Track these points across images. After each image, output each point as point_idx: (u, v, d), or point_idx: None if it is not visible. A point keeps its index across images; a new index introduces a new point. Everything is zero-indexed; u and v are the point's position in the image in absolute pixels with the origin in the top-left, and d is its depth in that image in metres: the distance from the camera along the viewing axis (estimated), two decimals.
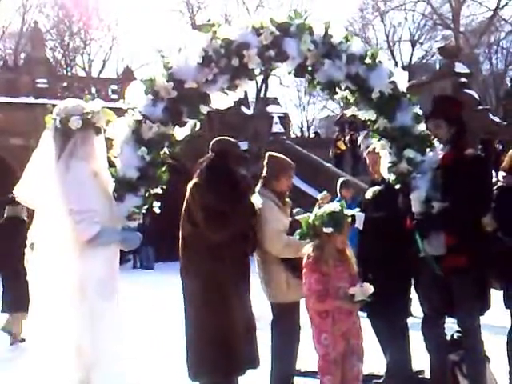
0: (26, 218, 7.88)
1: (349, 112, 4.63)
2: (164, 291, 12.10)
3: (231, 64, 4.11)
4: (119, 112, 4.10)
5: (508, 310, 4.56)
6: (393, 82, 4.29)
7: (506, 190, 4.54)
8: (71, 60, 40.37)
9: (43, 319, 3.61)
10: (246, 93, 23.04)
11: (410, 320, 5.09)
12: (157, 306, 10.84)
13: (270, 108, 27.98)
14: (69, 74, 35.98)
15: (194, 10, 38.77)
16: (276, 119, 25.72)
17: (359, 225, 4.93)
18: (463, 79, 21.47)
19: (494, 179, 4.74)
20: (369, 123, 4.49)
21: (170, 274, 10.49)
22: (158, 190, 4.14)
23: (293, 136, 33.24)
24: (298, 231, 4.31)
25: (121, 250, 3.92)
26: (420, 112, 4.40)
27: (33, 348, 3.68)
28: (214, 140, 4.69)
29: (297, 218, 4.60)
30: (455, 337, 4.60)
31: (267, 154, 5.00)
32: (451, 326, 4.61)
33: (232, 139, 4.78)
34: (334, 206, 4.22)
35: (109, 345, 3.63)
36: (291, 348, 4.70)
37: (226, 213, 4.27)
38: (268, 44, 4.12)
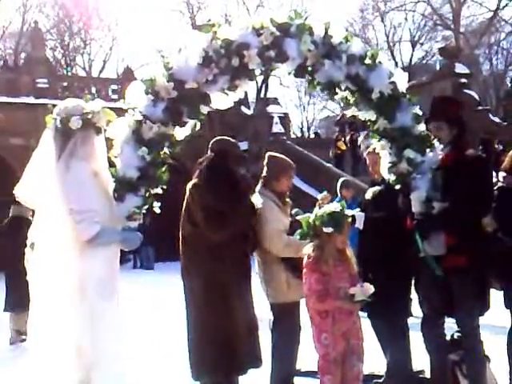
0: (31, 218, 7.90)
1: (349, 112, 4.63)
2: (164, 291, 12.11)
3: (231, 64, 4.11)
4: (119, 112, 4.11)
5: (508, 310, 4.57)
6: (393, 83, 4.29)
7: (506, 190, 4.54)
8: (71, 60, 40.36)
9: (43, 319, 3.61)
10: (246, 93, 23.03)
11: (410, 320, 5.09)
12: (157, 306, 10.84)
13: (270, 108, 27.97)
14: (69, 73, 35.96)
15: (194, 10, 38.81)
16: (276, 119, 25.70)
17: (359, 225, 4.94)
18: (463, 80, 21.47)
19: (494, 179, 4.75)
20: (369, 123, 4.49)
21: (170, 273, 10.49)
22: (159, 190, 4.14)
23: (293, 136, 33.23)
24: (299, 231, 4.31)
25: (121, 250, 3.92)
26: (420, 112, 4.40)
27: (33, 348, 3.68)
28: (213, 140, 4.69)
29: (297, 218, 4.60)
30: (455, 337, 4.60)
31: (267, 154, 5.00)
32: (451, 326, 4.61)
33: (231, 139, 4.78)
34: (335, 206, 4.22)
35: (109, 345, 3.64)
36: (291, 348, 4.70)
37: (226, 213, 4.27)
38: (268, 44, 4.13)
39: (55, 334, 3.58)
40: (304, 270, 4.18)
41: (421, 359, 4.90)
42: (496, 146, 19.76)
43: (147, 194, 4.06)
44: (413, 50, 39.58)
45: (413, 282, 4.84)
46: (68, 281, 3.58)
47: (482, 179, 4.38)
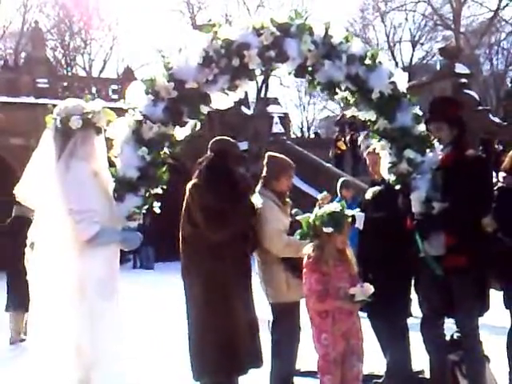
0: (32, 218, 7.90)
1: (349, 113, 4.63)
2: (164, 291, 12.11)
3: (232, 64, 4.11)
4: (120, 112, 4.11)
5: (508, 311, 4.57)
6: (393, 83, 4.29)
7: (506, 190, 4.54)
8: (72, 60, 40.36)
9: (43, 319, 3.61)
10: (246, 93, 23.04)
11: (409, 320, 5.09)
12: (157, 305, 10.85)
13: (271, 108, 27.98)
14: (69, 73, 35.98)
15: (194, 10, 38.83)
16: (276, 119, 25.71)
17: (359, 225, 4.94)
18: (463, 80, 21.47)
19: (494, 180, 4.75)
20: (369, 124, 4.49)
21: (169, 273, 10.49)
22: (158, 190, 4.14)
23: (293, 136, 33.23)
24: (299, 231, 4.31)
25: (121, 250, 3.92)
26: (420, 112, 4.41)
27: (33, 347, 3.68)
28: (212, 140, 4.69)
29: (297, 218, 4.60)
30: (455, 337, 4.60)
31: (267, 154, 5.00)
32: (451, 327, 4.62)
33: (231, 139, 4.78)
34: (335, 206, 4.22)
35: (109, 345, 3.64)
36: (291, 348, 4.70)
37: (226, 212, 4.27)
38: (268, 44, 4.13)
39: (55, 333, 3.58)
40: (304, 270, 4.18)
41: (420, 359, 4.90)
42: (496, 146, 19.76)
43: (147, 194, 4.06)
44: (413, 50, 39.62)
45: (413, 282, 4.84)
46: (68, 281, 3.58)
47: (482, 179, 4.38)
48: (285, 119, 27.90)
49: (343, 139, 24.33)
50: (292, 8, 25.52)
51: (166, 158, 4.19)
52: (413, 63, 38.94)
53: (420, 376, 5.12)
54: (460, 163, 4.33)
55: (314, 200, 5.22)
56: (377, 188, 5.12)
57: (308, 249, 4.20)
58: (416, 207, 4.34)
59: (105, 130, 3.91)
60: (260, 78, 28.07)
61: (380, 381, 5.08)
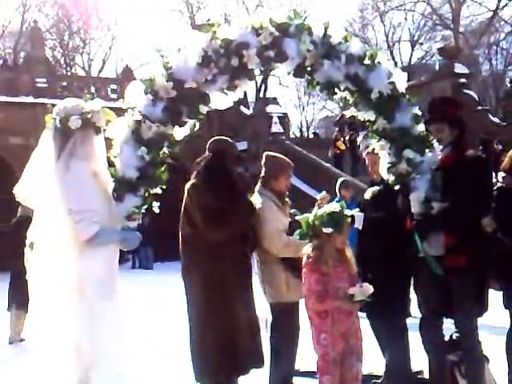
0: None
1: (348, 113, 4.63)
2: (163, 291, 12.11)
3: (231, 64, 4.11)
4: (119, 112, 4.10)
5: (507, 311, 4.56)
6: (392, 83, 4.29)
7: (505, 190, 4.54)
8: (71, 59, 40.34)
9: (43, 319, 3.61)
10: (245, 93, 23.04)
11: (409, 320, 5.09)
12: (156, 305, 10.84)
13: (270, 108, 27.98)
14: (68, 73, 35.95)
15: (193, 9, 38.82)
16: (275, 119, 25.69)
17: (358, 225, 4.93)
18: (463, 80, 21.46)
19: (493, 180, 4.75)
20: (368, 124, 4.49)
21: (169, 273, 10.49)
22: (158, 190, 4.14)
23: (292, 136, 33.22)
24: (298, 231, 4.31)
25: (120, 250, 3.92)
26: (419, 112, 4.40)
27: (32, 347, 3.68)
28: (211, 140, 4.69)
29: (296, 218, 4.60)
30: (454, 337, 4.60)
31: (265, 153, 5.00)
32: (450, 327, 4.62)
33: (229, 139, 4.78)
34: (334, 207, 4.22)
35: (108, 344, 3.63)
36: (290, 348, 4.70)
37: (225, 212, 4.27)
38: (267, 44, 4.13)
39: (54, 333, 3.58)
40: (303, 270, 4.18)
41: (419, 360, 4.90)
42: (495, 146, 19.75)
43: (146, 194, 4.06)
44: (412, 50, 39.64)
45: (412, 282, 4.84)
46: (67, 281, 3.58)
47: (482, 179, 4.38)
48: (284, 119, 27.90)
49: (342, 139, 24.33)
50: (291, 8, 25.54)
51: (166, 158, 4.19)
52: (412, 63, 38.94)
53: (419, 376, 5.12)
54: (460, 163, 4.33)
55: (313, 200, 5.21)
56: (376, 188, 5.12)
57: (307, 249, 4.20)
58: (415, 207, 4.34)
59: (104, 130, 3.90)
60: (259, 78, 28.05)
61: (379, 381, 5.09)
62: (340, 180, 9.74)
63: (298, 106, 45.95)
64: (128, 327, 4.37)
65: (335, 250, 4.16)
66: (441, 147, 4.51)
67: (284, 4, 34.93)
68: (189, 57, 4.13)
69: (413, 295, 4.88)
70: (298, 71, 4.31)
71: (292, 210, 4.89)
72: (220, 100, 4.31)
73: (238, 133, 21.92)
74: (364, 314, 4.79)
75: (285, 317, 4.67)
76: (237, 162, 4.67)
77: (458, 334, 4.54)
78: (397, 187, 4.45)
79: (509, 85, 34.25)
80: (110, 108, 3.96)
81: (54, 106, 3.85)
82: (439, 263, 4.31)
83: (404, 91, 4.37)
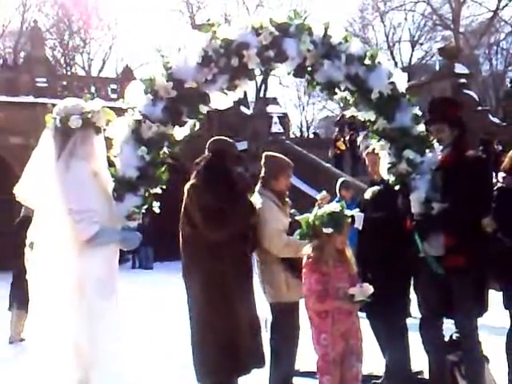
0: None
1: (348, 113, 4.62)
2: (163, 291, 12.12)
3: (231, 64, 4.11)
4: (119, 111, 4.10)
5: (507, 311, 4.56)
6: (392, 83, 4.29)
7: (505, 190, 4.54)
8: (71, 59, 40.35)
9: (42, 318, 3.61)
10: (245, 93, 23.03)
11: (409, 320, 5.09)
12: (156, 305, 10.84)
13: (270, 108, 28.02)
14: (68, 73, 35.96)
15: (193, 9, 38.85)
16: (275, 119, 25.71)
17: (358, 225, 4.93)
18: (463, 80, 21.45)
19: (493, 180, 4.75)
20: (368, 124, 4.49)
21: (169, 273, 10.50)
22: (158, 190, 4.14)
23: (292, 136, 33.22)
24: (298, 231, 4.31)
25: (120, 250, 3.92)
26: (419, 113, 4.40)
27: (32, 347, 3.68)
28: (210, 140, 4.69)
29: (297, 218, 4.60)
30: (454, 337, 4.60)
31: (264, 153, 5.00)
32: (450, 327, 4.62)
33: (229, 139, 4.78)
34: (334, 207, 4.22)
35: (108, 344, 3.63)
36: (290, 348, 4.70)
37: (225, 212, 4.27)
38: (267, 44, 4.13)
39: (54, 333, 3.58)
40: (304, 271, 4.18)
41: (419, 360, 4.90)
42: (495, 146, 19.75)
43: (147, 194, 4.06)
44: (412, 50, 39.62)
45: (412, 282, 4.84)
46: (67, 280, 3.58)
47: (482, 180, 4.38)
48: (284, 119, 27.91)
49: (342, 139, 24.32)
50: (291, 8, 25.54)
51: (166, 158, 4.19)
52: (412, 63, 38.94)
53: (419, 376, 5.12)
54: (460, 164, 4.33)
55: (313, 200, 5.20)
56: (376, 188, 5.12)
57: (307, 249, 4.20)
58: (415, 207, 4.34)
59: (104, 130, 3.90)
60: (259, 78, 28.05)
61: (379, 381, 5.09)
62: (340, 180, 9.74)
63: (298, 105, 46.00)
64: (128, 327, 4.36)
65: (335, 250, 4.16)
66: (441, 147, 4.51)
67: (284, 4, 34.96)
68: (189, 57, 4.13)
69: (413, 295, 4.88)
70: (298, 71, 4.31)
71: (291, 211, 4.89)
72: (220, 100, 4.31)
73: (238, 133, 21.92)
74: (364, 314, 4.79)
75: (285, 317, 4.67)
76: (236, 161, 4.67)
77: (457, 334, 4.54)
78: (397, 187, 4.45)
79: (509, 85, 34.28)
80: (110, 108, 3.96)
81: (54, 105, 3.85)
82: (439, 263, 4.31)
83: (404, 91, 4.37)
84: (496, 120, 22.20)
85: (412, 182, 4.33)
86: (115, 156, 4.05)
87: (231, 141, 4.78)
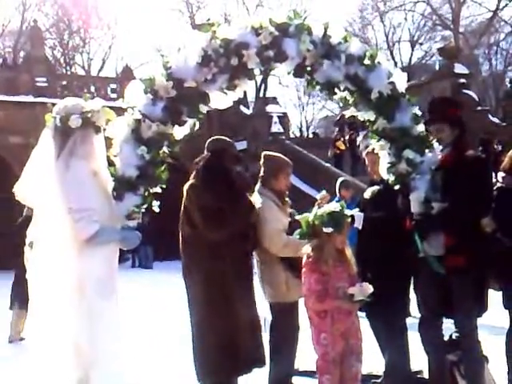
0: None
1: (348, 113, 4.63)
2: (163, 290, 12.12)
3: (230, 64, 4.12)
4: (119, 111, 4.10)
5: (507, 311, 4.57)
6: (392, 83, 4.29)
7: (505, 190, 4.54)
8: (70, 59, 40.33)
9: (42, 318, 3.61)
10: (245, 92, 23.02)
11: (408, 320, 5.09)
12: (155, 305, 10.84)
13: (269, 108, 27.93)
14: (68, 72, 35.93)
15: (193, 9, 38.86)
16: (275, 119, 25.66)
17: (358, 225, 4.93)
18: (462, 80, 21.45)
19: (493, 180, 4.75)
20: (368, 124, 4.49)
21: (168, 273, 10.50)
22: (158, 189, 4.14)
23: (292, 136, 33.21)
24: (298, 231, 4.31)
25: (120, 249, 3.92)
26: (419, 113, 4.40)
27: (32, 347, 3.68)
28: (209, 140, 4.69)
29: (297, 217, 4.60)
30: (453, 337, 4.60)
31: (263, 153, 5.00)
32: (450, 327, 4.62)
33: (228, 139, 4.79)
34: (334, 206, 4.22)
35: (108, 344, 3.63)
36: (290, 348, 4.70)
37: (224, 212, 4.27)
38: (267, 44, 4.13)
39: (54, 332, 3.58)
40: (303, 270, 4.18)
41: (419, 360, 4.90)
42: (495, 146, 19.75)
43: (146, 193, 4.06)
44: (412, 50, 39.62)
45: (411, 282, 4.84)
46: (67, 280, 3.58)
47: (482, 180, 4.38)
48: (284, 119, 27.85)
49: (342, 139, 24.31)
50: (291, 8, 25.55)
51: (165, 157, 4.19)
52: (412, 63, 38.94)
53: (418, 376, 5.12)
54: (460, 163, 4.33)
55: (312, 200, 5.19)
56: (376, 188, 5.12)
57: (307, 248, 4.20)
58: (415, 207, 4.34)
59: (104, 129, 3.90)
60: (259, 78, 28.05)
61: (378, 381, 5.08)
62: (340, 180, 9.75)
63: (297, 105, 45.97)
64: (127, 326, 4.37)
65: (335, 250, 4.16)
66: (440, 147, 4.51)
67: (284, 4, 34.95)
68: (189, 56, 4.13)
69: (412, 295, 4.88)
70: (298, 71, 4.31)
71: (290, 210, 4.90)
72: (220, 99, 4.31)
73: (237, 132, 21.91)
74: (364, 314, 4.79)
75: (284, 316, 4.67)
76: (235, 161, 4.67)
77: (457, 334, 4.54)
78: (397, 187, 4.45)
79: (508, 85, 34.30)
80: (110, 107, 3.95)
81: (53, 105, 3.85)
82: (440, 263, 4.31)
83: (404, 91, 4.37)
84: (496, 120, 22.20)
85: (412, 181, 4.33)
86: (115, 155, 4.05)
87: (230, 140, 4.78)
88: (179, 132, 4.23)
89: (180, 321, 4.50)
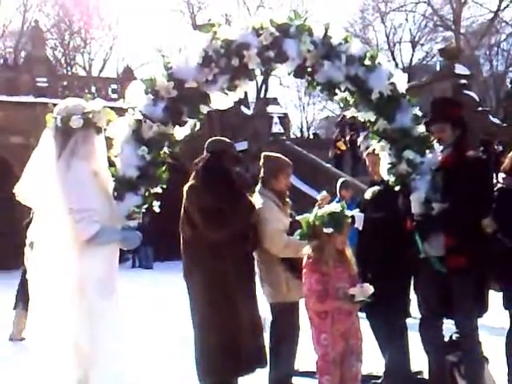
0: None
1: (348, 113, 4.63)
2: (163, 290, 12.13)
3: (231, 64, 4.12)
4: (119, 111, 4.11)
5: (507, 311, 4.57)
6: (392, 84, 4.29)
7: (505, 191, 4.54)
8: (71, 59, 40.35)
9: (42, 318, 3.61)
10: (245, 93, 23.02)
11: (409, 320, 5.09)
12: (156, 305, 10.85)
13: (270, 108, 27.93)
14: (69, 73, 35.96)
15: (194, 9, 38.91)
16: (276, 119, 25.66)
17: (359, 225, 4.93)
18: (463, 81, 21.46)
19: (493, 181, 4.75)
20: (368, 124, 4.49)
21: (169, 273, 10.50)
22: (158, 190, 4.14)
23: (292, 136, 33.21)
24: (298, 231, 4.31)
25: (120, 249, 3.92)
26: (419, 113, 4.41)
27: (32, 347, 3.68)
28: (209, 140, 4.70)
29: (297, 218, 4.60)
30: (454, 338, 4.60)
31: (263, 154, 5.01)
32: (450, 327, 4.62)
33: (227, 139, 4.79)
34: (335, 207, 4.22)
35: (108, 344, 3.63)
36: (290, 348, 4.70)
37: (224, 212, 4.28)
38: (268, 44, 4.13)
39: (54, 332, 3.58)
40: (304, 271, 4.18)
41: (419, 360, 4.90)
42: (496, 147, 19.75)
43: (147, 194, 4.06)
44: (413, 51, 39.61)
45: (412, 282, 4.84)
46: (67, 280, 3.58)
47: (483, 180, 4.38)
48: (284, 119, 27.86)
49: (343, 139, 24.30)
50: (292, 8, 25.53)
51: (166, 158, 4.20)
52: (413, 64, 38.94)
53: (418, 376, 5.12)
54: (461, 164, 4.34)
55: (313, 200, 5.21)
56: (376, 188, 5.12)
57: (308, 249, 4.20)
58: (416, 208, 4.34)
59: (105, 130, 3.90)
60: (260, 78, 28.06)
61: (379, 381, 5.08)
62: (340, 180, 9.75)
63: (298, 106, 45.96)
64: (128, 326, 4.37)
65: (335, 251, 4.16)
66: (441, 148, 4.51)
67: (285, 4, 34.97)
68: (189, 57, 4.14)
69: (413, 295, 4.88)
70: (299, 72, 4.31)
71: (289, 212, 4.90)
72: (221, 100, 4.31)
73: (238, 133, 21.93)
74: (364, 314, 4.79)
75: (285, 317, 4.67)
76: (235, 162, 4.68)
77: (457, 335, 4.54)
78: (397, 188, 4.45)
79: (509, 86, 34.25)
80: (111, 108, 3.95)
81: (54, 105, 3.86)
82: (441, 263, 4.31)
83: (404, 92, 4.37)
84: (496, 121, 22.21)
85: (412, 182, 4.33)
86: (116, 156, 4.05)
87: (229, 141, 4.79)
88: (180, 132, 4.24)
89: (180, 321, 4.50)
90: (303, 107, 46.29)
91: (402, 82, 4.36)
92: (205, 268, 4.33)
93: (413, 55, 39.63)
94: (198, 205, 4.34)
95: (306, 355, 4.76)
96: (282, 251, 4.58)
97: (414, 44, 39.59)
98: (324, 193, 5.30)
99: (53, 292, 3.58)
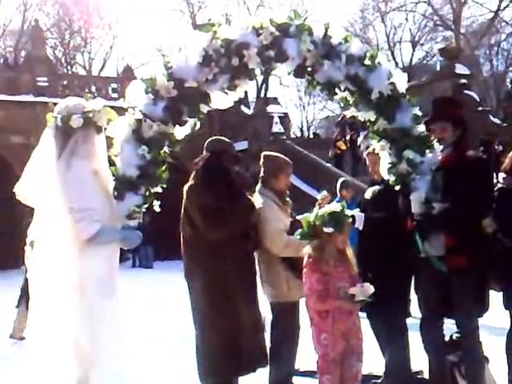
0: None
1: (348, 113, 4.63)
2: (163, 290, 12.13)
3: (231, 64, 4.12)
4: (120, 111, 4.11)
5: (507, 311, 4.56)
6: (392, 83, 4.29)
7: (506, 191, 4.54)
8: (71, 58, 40.35)
9: (42, 317, 3.61)
10: (246, 92, 23.01)
11: (409, 320, 5.09)
12: (156, 304, 10.85)
13: (270, 108, 27.95)
14: (69, 72, 35.91)
15: (194, 9, 38.90)
16: (276, 119, 25.66)
17: (359, 225, 4.93)
18: (463, 80, 21.44)
19: (494, 180, 4.75)
20: (368, 124, 4.49)
21: (169, 272, 10.50)
22: (158, 189, 4.14)
23: (293, 136, 33.21)
24: (299, 231, 4.31)
25: (120, 249, 3.92)
26: (419, 113, 4.40)
27: (32, 346, 3.68)
28: (208, 140, 4.70)
29: (297, 217, 4.60)
30: (454, 337, 4.60)
31: (262, 153, 5.01)
32: (450, 327, 4.62)
33: (226, 139, 4.80)
34: (335, 206, 4.22)
35: (108, 343, 3.63)
36: (290, 347, 4.70)
37: (224, 211, 4.28)
38: (268, 44, 4.13)
39: (54, 332, 3.58)
40: (304, 270, 4.18)
41: (419, 360, 4.90)
42: (496, 146, 19.74)
43: (147, 193, 4.06)
44: (413, 51, 39.60)
45: (412, 282, 4.84)
46: (68, 279, 3.58)
47: (483, 180, 4.38)
48: (284, 119, 27.88)
49: (343, 139, 24.29)
50: (292, 8, 25.55)
51: (166, 157, 4.20)
52: (413, 63, 38.94)
53: (419, 376, 5.12)
54: (461, 164, 4.34)
55: (313, 200, 5.20)
56: (376, 188, 5.12)
57: (308, 249, 4.20)
58: (416, 208, 4.34)
59: (105, 129, 3.90)
60: (260, 78, 28.06)
61: (379, 381, 5.08)
62: (340, 180, 9.75)
63: (298, 105, 45.97)
64: (128, 326, 4.37)
65: (336, 250, 4.16)
66: (441, 148, 4.51)
67: (285, 4, 34.96)
68: (189, 56, 4.14)
69: (413, 295, 4.88)
70: (299, 71, 4.31)
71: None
72: (221, 99, 4.31)
73: (238, 132, 21.93)
74: (364, 314, 4.79)
75: (285, 316, 4.67)
76: (234, 161, 4.68)
77: (458, 335, 4.54)
78: (397, 187, 4.45)
79: (509, 85, 34.28)
80: (111, 107, 3.95)
81: (55, 104, 3.86)
82: (442, 262, 4.31)
83: (404, 92, 4.37)
84: (497, 120, 22.21)
85: (412, 182, 4.33)
86: (116, 155, 4.05)
87: (229, 140, 4.80)
88: (180, 132, 4.24)
89: (181, 320, 4.50)
90: (303, 107, 46.36)
91: (401, 82, 4.36)
92: (205, 268, 4.33)
93: (413, 55, 39.68)
94: (198, 204, 4.34)
95: (306, 355, 4.76)
96: (283, 251, 4.58)
97: (414, 44, 39.59)
98: (324, 192, 5.29)
99: (53, 291, 3.58)
